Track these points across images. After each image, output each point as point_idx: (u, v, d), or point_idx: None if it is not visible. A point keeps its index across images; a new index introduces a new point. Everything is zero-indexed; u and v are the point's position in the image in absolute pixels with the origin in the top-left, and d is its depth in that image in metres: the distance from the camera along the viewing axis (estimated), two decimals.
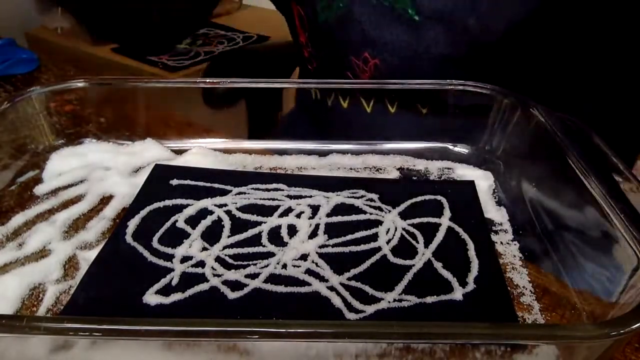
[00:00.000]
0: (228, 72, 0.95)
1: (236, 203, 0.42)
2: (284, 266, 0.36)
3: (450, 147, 0.51)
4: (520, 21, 0.46)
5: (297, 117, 0.68)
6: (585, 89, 0.52)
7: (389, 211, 0.41)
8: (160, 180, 0.45)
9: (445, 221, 0.40)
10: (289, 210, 0.41)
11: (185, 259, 0.36)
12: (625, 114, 0.56)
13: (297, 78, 0.71)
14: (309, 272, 0.35)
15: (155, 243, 0.38)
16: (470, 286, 0.34)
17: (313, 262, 0.36)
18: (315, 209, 0.41)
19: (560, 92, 0.51)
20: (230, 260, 0.36)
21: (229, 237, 0.38)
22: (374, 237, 0.38)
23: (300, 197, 0.43)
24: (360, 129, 0.56)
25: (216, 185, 0.44)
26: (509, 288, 0.34)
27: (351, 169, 0.48)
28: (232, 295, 0.33)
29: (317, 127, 0.63)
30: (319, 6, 0.54)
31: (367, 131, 0.54)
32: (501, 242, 0.39)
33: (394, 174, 0.47)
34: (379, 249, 0.37)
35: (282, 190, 0.44)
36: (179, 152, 0.49)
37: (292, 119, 0.69)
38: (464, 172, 0.47)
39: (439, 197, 0.42)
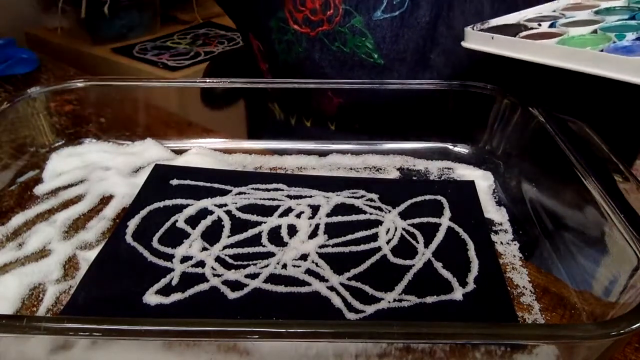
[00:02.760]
0: (228, 72, 0.95)
1: (236, 203, 0.42)
2: (284, 266, 0.36)
3: (450, 147, 0.51)
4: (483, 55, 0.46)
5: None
6: (585, 89, 0.52)
7: (389, 211, 0.41)
8: (160, 180, 0.45)
9: (445, 221, 0.40)
10: (289, 210, 0.41)
11: (185, 259, 0.36)
12: (625, 114, 0.56)
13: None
14: (309, 272, 0.35)
15: (155, 243, 0.38)
16: (470, 286, 0.34)
17: (313, 262, 0.36)
18: (315, 209, 0.41)
19: (560, 92, 0.51)
20: (230, 260, 0.36)
21: (229, 237, 0.38)
22: (374, 237, 0.38)
23: (300, 197, 0.43)
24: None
25: (216, 185, 0.44)
26: (509, 288, 0.34)
27: (351, 169, 0.48)
28: (232, 295, 0.33)
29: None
30: (278, 48, 0.53)
31: None
32: (501, 242, 0.39)
33: (394, 174, 0.47)
34: (379, 249, 0.37)
35: (282, 190, 0.44)
36: (179, 152, 0.49)
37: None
38: (464, 172, 0.47)
39: (439, 197, 0.42)
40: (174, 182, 0.44)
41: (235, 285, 0.34)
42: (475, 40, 0.38)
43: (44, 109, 0.49)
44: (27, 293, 0.34)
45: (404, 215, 0.41)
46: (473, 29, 0.39)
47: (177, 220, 0.40)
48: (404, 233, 0.39)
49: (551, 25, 0.39)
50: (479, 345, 0.27)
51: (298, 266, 0.36)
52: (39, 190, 0.44)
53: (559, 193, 0.40)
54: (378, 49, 0.48)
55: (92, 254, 0.37)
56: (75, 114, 0.52)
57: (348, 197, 0.43)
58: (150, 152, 0.49)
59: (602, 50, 0.33)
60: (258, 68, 0.62)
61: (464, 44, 0.39)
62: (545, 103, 0.44)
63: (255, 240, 0.38)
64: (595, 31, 0.37)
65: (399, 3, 0.47)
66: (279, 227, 0.39)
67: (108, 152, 0.49)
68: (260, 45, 0.57)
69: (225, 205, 0.42)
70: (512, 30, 0.38)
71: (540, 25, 0.39)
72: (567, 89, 0.51)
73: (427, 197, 0.43)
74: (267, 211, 0.41)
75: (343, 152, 0.50)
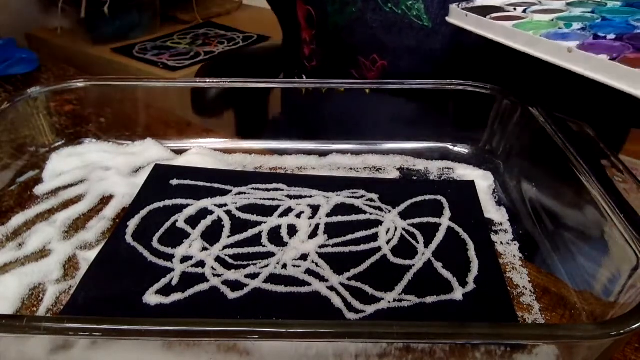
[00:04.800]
0: (228, 72, 0.95)
1: (236, 203, 0.42)
2: (284, 266, 0.36)
3: (450, 147, 0.51)
4: None
5: (285, 119, 0.68)
6: (584, 89, 0.52)
7: (389, 211, 0.41)
8: (160, 180, 0.45)
9: (445, 221, 0.40)
10: (289, 210, 0.41)
11: (185, 259, 0.36)
12: (623, 114, 0.56)
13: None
14: (309, 272, 0.35)
15: (155, 243, 0.38)
16: (470, 286, 0.34)
17: (313, 262, 0.36)
18: (315, 209, 0.41)
19: (559, 92, 0.51)
20: (230, 260, 0.36)
21: (229, 237, 0.38)
22: (374, 237, 0.38)
23: (300, 197, 0.43)
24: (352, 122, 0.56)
25: (216, 185, 0.44)
26: (509, 288, 0.34)
27: (351, 169, 0.48)
28: (232, 295, 0.33)
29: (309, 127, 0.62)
30: (330, 9, 0.55)
31: (361, 126, 0.55)
32: (501, 242, 0.39)
33: (394, 174, 0.47)
34: (379, 249, 0.37)
35: (282, 190, 0.44)
36: (179, 152, 0.49)
37: (280, 121, 0.69)
38: (464, 172, 0.47)
39: (439, 197, 0.42)
40: (174, 182, 0.44)
41: (235, 285, 0.34)
42: (456, 16, 0.43)
43: (44, 109, 0.49)
44: (27, 293, 0.34)
45: (404, 215, 0.41)
46: (458, 7, 0.43)
47: (177, 220, 0.40)
48: (404, 233, 0.39)
49: (524, 11, 0.43)
50: (479, 345, 0.27)
51: (298, 266, 0.36)
52: (39, 190, 0.44)
53: (559, 193, 0.40)
54: (427, 12, 0.50)
55: (92, 254, 0.37)
56: (75, 114, 0.52)
57: (348, 197, 0.43)
58: (150, 152, 0.49)
59: (541, 35, 0.37)
60: (293, 39, 0.63)
61: (447, 19, 0.44)
62: (545, 103, 0.44)
63: (255, 240, 0.38)
64: (553, 19, 0.40)
65: None
66: (279, 227, 0.39)
67: (108, 152, 0.49)
68: (312, 9, 0.59)
69: (225, 205, 0.42)
70: (492, 11, 0.42)
71: (515, 9, 0.43)
72: (567, 89, 0.51)
73: (427, 197, 0.43)
74: (267, 211, 0.41)
75: (343, 152, 0.50)
